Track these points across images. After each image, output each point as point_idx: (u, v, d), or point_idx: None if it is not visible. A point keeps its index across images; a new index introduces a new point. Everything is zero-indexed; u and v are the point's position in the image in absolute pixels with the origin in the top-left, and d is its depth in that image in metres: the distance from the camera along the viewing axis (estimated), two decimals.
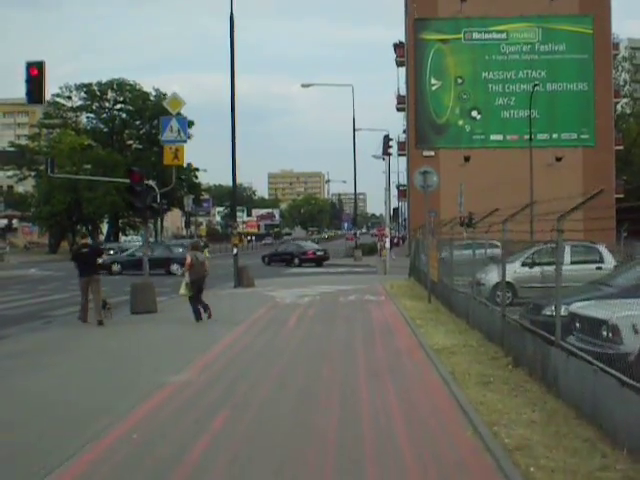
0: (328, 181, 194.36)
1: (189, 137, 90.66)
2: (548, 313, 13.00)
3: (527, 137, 58.50)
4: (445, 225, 24.95)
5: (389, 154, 47.98)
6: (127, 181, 39.08)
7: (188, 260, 19.83)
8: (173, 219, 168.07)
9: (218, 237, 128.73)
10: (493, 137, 65.69)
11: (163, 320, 20.16)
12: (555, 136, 65.19)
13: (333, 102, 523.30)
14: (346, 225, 72.57)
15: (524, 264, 20.75)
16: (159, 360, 13.48)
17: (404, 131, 72.25)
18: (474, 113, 66.15)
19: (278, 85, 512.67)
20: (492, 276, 19.88)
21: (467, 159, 63.09)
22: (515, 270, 20.49)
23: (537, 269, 19.86)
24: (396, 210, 78.29)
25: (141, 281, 23.31)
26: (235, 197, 35.05)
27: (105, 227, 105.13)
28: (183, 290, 20.52)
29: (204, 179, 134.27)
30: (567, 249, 21.35)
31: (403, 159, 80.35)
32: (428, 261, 24.91)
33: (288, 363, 12.61)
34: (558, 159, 63.06)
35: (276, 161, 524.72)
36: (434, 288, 23.23)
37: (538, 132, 60.26)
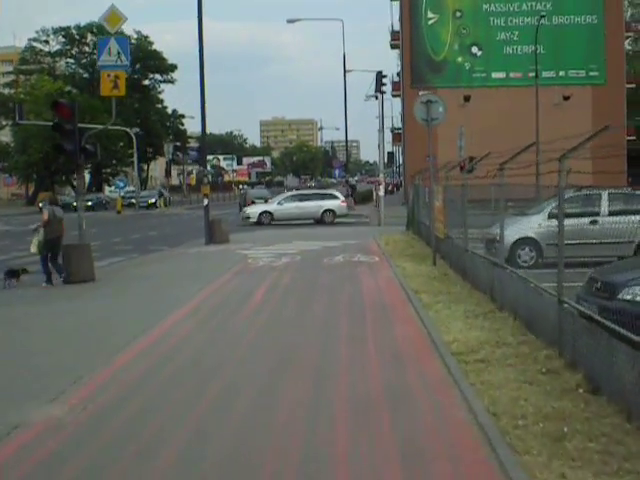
0: (321, 128, 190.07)
1: (172, 82, 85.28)
2: (628, 298, 8.57)
3: (532, 75, 54.35)
4: (450, 170, 20.51)
5: (382, 92, 43.21)
6: (103, 127, 34.69)
7: (45, 216, 17.36)
8: (162, 168, 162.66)
9: (209, 186, 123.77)
10: (495, 75, 60.72)
11: (89, 294, 15.70)
12: (562, 73, 60.33)
13: (326, 49, 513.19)
14: (337, 172, 67.69)
15: (551, 215, 16.43)
16: (35, 374, 8.95)
17: (398, 74, 67.04)
18: (474, 49, 61.12)
19: (270, 33, 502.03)
20: (512, 231, 15.66)
21: (467, 99, 58.16)
22: (540, 223, 16.25)
23: (570, 222, 15.54)
24: (391, 154, 72.19)
25: (75, 243, 18.79)
26: (204, 142, 30.32)
27: (87, 178, 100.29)
28: (34, 248, 17.56)
29: (195, 127, 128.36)
30: (604, 196, 17.07)
31: (398, 102, 75.64)
32: (431, 213, 20.43)
33: (224, 390, 7.95)
34: (566, 98, 58.17)
35: (268, 109, 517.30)
36: (439, 246, 18.76)
37: (544, 69, 55.53)
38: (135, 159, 62.61)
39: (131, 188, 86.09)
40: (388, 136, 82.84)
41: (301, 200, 41.22)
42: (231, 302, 13.87)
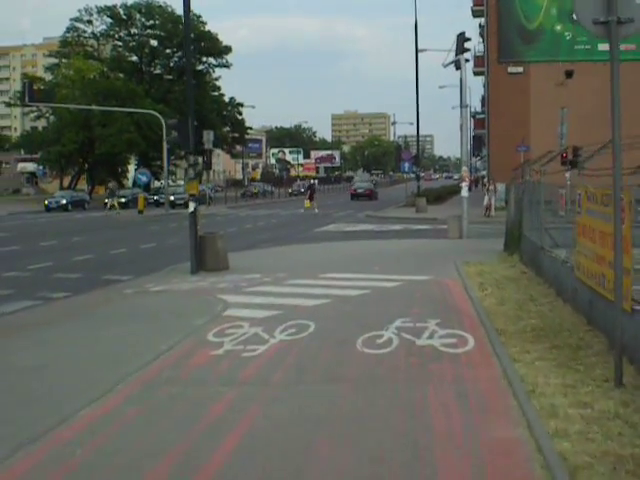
0: (394, 123, 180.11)
1: (228, 66, 75.11)
2: None
3: None
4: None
5: (466, 60, 32.22)
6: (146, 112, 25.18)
7: None
8: (226, 163, 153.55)
9: (274, 181, 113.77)
10: (602, 47, 48.12)
11: None
12: None
13: (401, 43, 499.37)
14: (406, 165, 56.86)
15: None
16: None
17: (480, 56, 55.43)
18: None
19: (345, 27, 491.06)
20: None
21: (569, 74, 46.55)
22: None
23: None
24: (478, 139, 58.18)
25: None
26: (192, 117, 19.52)
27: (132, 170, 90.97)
28: None
29: (261, 121, 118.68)
30: None
31: (478, 84, 64.46)
32: (593, 244, 9.63)
33: None
34: None
35: (341, 103, 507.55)
36: (624, 327, 7.86)
37: None
38: (164, 150, 52.52)
39: (172, 182, 76.47)
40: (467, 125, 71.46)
41: None
42: None
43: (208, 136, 63.58)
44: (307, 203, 47.43)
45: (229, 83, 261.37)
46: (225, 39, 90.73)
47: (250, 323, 11.09)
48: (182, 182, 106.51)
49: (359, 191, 69.04)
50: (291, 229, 34.66)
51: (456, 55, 30.84)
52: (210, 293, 14.47)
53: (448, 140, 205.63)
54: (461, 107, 28.20)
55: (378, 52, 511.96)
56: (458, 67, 33.79)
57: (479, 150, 60.04)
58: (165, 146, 51.89)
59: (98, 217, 48.29)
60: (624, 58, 37.23)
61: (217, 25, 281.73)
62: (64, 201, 58.62)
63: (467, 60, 33.86)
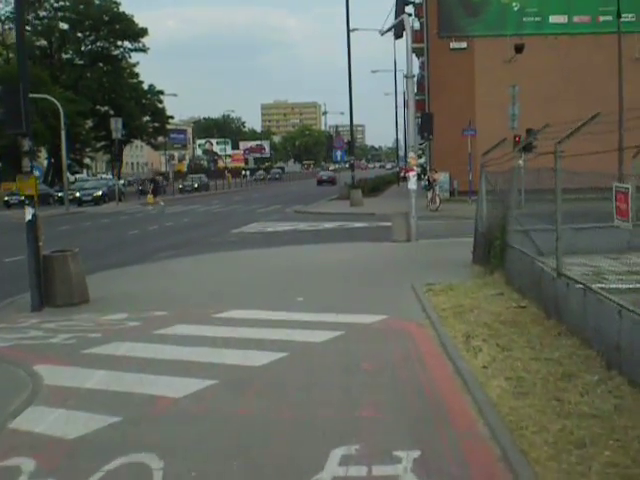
0: (325, 113, 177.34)
1: (144, 50, 68.44)
2: None
3: (603, 19, 39.82)
4: None
5: (408, 23, 26.79)
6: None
7: None
8: (150, 155, 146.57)
9: (203, 173, 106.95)
10: (553, 19, 43.79)
11: None
12: None
13: (331, 33, 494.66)
14: (339, 154, 51.59)
15: None
16: None
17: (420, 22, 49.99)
18: None
19: (275, 17, 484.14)
20: None
21: (519, 49, 41.66)
22: None
23: None
24: (428, 117, 51.41)
25: None
26: (24, 91, 13.64)
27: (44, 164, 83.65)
28: None
29: (189, 112, 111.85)
30: None
31: (415, 63, 59.40)
32: None
33: None
34: None
35: (271, 94, 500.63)
36: None
37: (621, 12, 39.81)
38: (63, 140, 46.21)
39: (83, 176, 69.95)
40: (403, 108, 66.26)
41: None
42: None
43: (117, 124, 57.50)
44: (150, 198, 45.40)
45: (155, 74, 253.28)
46: (152, 30, 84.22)
47: (39, 460, 5.48)
48: (103, 176, 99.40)
49: (324, 178, 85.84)
50: (203, 230, 28.91)
51: (395, 17, 25.46)
52: (27, 358, 8.80)
53: (379, 130, 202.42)
54: (406, 79, 22.72)
55: (309, 42, 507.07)
56: (398, 35, 28.63)
57: (429, 129, 54.65)
58: (63, 136, 45.68)
59: None
60: (578, 31, 31.70)
61: (142, 15, 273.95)
62: None
63: (412, 29, 28.58)
